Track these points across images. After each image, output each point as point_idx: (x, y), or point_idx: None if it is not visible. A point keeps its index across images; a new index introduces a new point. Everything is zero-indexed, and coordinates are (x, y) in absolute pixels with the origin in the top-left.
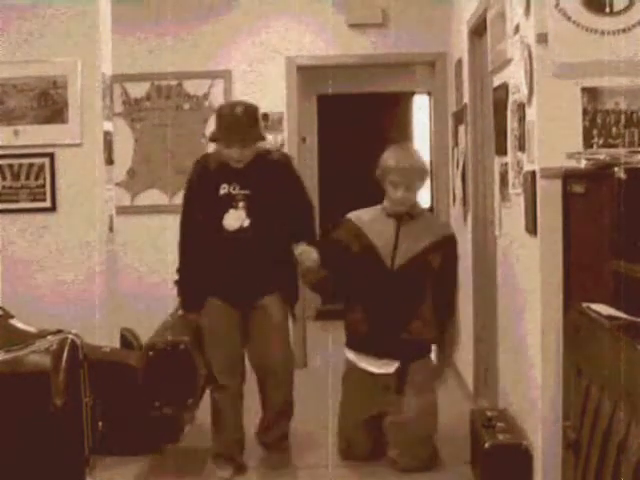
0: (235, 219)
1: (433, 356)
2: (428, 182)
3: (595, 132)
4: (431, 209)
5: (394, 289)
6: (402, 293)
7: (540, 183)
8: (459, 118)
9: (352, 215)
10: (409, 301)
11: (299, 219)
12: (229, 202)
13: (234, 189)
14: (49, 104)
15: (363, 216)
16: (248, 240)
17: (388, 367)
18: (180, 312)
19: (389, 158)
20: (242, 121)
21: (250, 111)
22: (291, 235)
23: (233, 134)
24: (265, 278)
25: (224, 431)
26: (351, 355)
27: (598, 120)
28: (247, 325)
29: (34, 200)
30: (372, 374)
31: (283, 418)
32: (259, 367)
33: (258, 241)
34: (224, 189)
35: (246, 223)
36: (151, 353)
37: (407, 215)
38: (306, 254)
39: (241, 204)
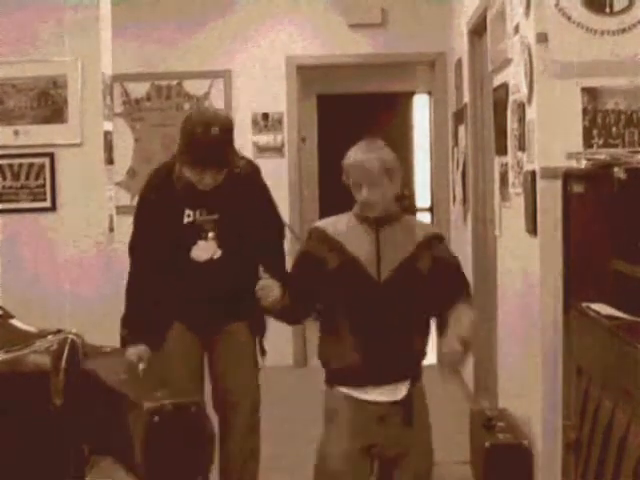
0: (205, 251)
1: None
2: (428, 182)
3: (595, 132)
4: (431, 209)
5: (386, 304)
6: (396, 307)
7: (540, 183)
8: (459, 118)
9: (323, 224)
10: (405, 315)
11: (268, 242)
12: (196, 232)
13: (200, 215)
14: (49, 104)
15: (337, 225)
16: (218, 271)
17: (391, 394)
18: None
19: (348, 157)
20: (219, 144)
21: (227, 129)
22: (260, 260)
23: (208, 159)
24: (233, 306)
25: None
26: (341, 389)
27: (598, 120)
28: (210, 354)
29: (34, 200)
30: (366, 404)
31: (248, 470)
32: (221, 403)
33: (229, 271)
34: (189, 217)
35: (217, 254)
36: (157, 419)
37: (384, 220)
38: (266, 290)
39: (211, 234)
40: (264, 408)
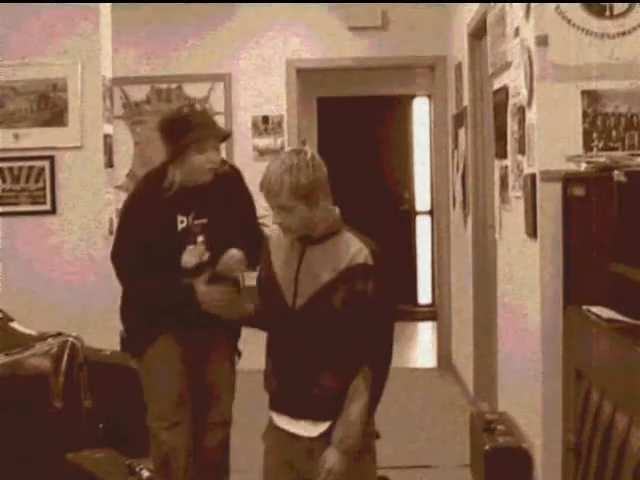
0: (194, 256)
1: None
2: (428, 185)
3: (595, 135)
4: (431, 212)
5: (297, 333)
6: (306, 339)
7: (540, 186)
8: (459, 121)
9: (272, 231)
10: (315, 349)
11: (248, 250)
12: (187, 237)
13: (192, 220)
14: (49, 107)
15: (280, 237)
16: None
17: (312, 429)
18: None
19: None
20: (208, 114)
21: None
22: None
23: (209, 129)
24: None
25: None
26: (271, 412)
27: (598, 123)
28: (192, 356)
29: (34, 203)
30: (294, 435)
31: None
32: (200, 397)
33: None
34: (182, 223)
35: (205, 257)
36: None
37: (312, 239)
38: (234, 260)
39: (200, 238)
40: (241, 412)
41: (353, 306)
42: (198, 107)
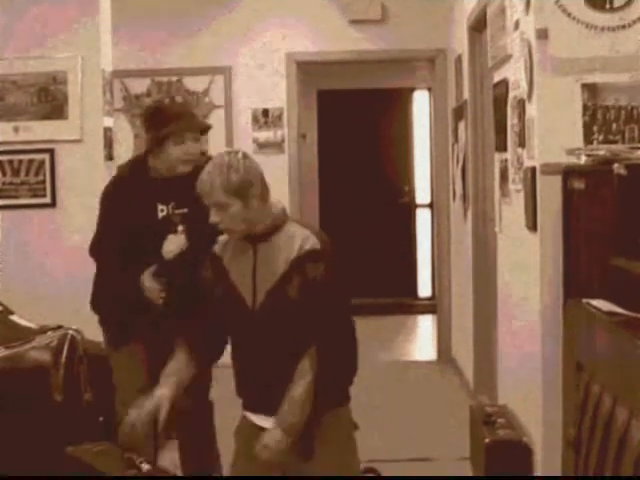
0: (175, 245)
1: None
2: (428, 178)
3: (595, 128)
4: (431, 205)
5: (261, 332)
6: (271, 335)
7: (540, 179)
8: (459, 114)
9: (217, 245)
10: (280, 344)
11: None
12: (167, 226)
13: (172, 209)
14: (49, 100)
15: (227, 243)
16: (185, 266)
17: None
18: None
19: None
20: (188, 107)
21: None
22: None
23: (187, 121)
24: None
25: None
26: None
27: (598, 116)
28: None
29: (34, 196)
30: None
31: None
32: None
33: (193, 263)
34: (162, 212)
35: (185, 247)
36: None
37: (259, 237)
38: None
39: (180, 227)
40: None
41: (308, 292)
42: (179, 99)
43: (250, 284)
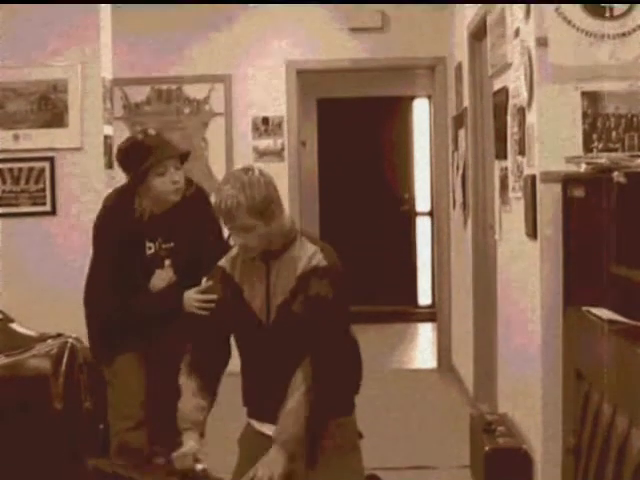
0: (162, 279)
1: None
2: (428, 186)
3: (595, 136)
4: (431, 213)
5: (270, 348)
6: (282, 350)
7: (540, 187)
8: (459, 122)
9: (224, 262)
10: (292, 358)
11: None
12: (155, 262)
13: (159, 245)
14: (49, 108)
15: (235, 260)
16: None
17: None
18: None
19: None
20: (163, 137)
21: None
22: None
23: (165, 150)
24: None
25: None
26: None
27: (598, 124)
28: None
29: (34, 204)
30: (267, 439)
31: None
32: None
33: (180, 295)
34: (150, 249)
35: (172, 281)
36: None
37: (272, 254)
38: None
39: (167, 262)
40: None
41: (310, 308)
42: (152, 132)
43: (264, 302)
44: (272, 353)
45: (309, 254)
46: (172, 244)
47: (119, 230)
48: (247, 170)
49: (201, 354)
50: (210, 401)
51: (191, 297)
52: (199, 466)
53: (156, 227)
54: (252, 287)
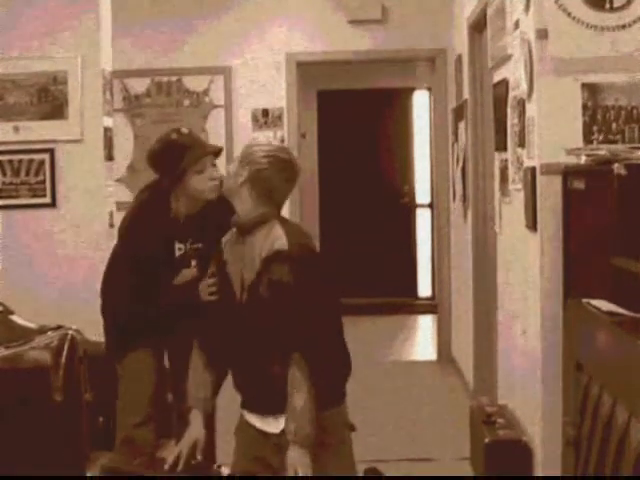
0: (186, 279)
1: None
2: (428, 178)
3: (595, 128)
4: (431, 205)
5: (244, 328)
6: (252, 329)
7: (540, 179)
8: (459, 114)
9: (225, 237)
10: (261, 338)
11: None
12: (183, 263)
13: (189, 246)
14: (49, 100)
15: (231, 236)
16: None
17: (275, 425)
18: None
19: None
20: (196, 134)
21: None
22: None
23: (203, 147)
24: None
25: None
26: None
27: (598, 116)
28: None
29: (34, 196)
30: (262, 431)
31: None
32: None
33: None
34: (180, 250)
35: (195, 275)
36: None
37: (246, 229)
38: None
39: (193, 262)
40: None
41: (273, 293)
42: (185, 130)
43: (239, 278)
44: (246, 334)
45: (274, 237)
46: (200, 245)
47: (154, 231)
48: (283, 149)
49: (209, 331)
50: (217, 377)
51: (204, 284)
52: (198, 457)
53: (188, 228)
54: (233, 262)
